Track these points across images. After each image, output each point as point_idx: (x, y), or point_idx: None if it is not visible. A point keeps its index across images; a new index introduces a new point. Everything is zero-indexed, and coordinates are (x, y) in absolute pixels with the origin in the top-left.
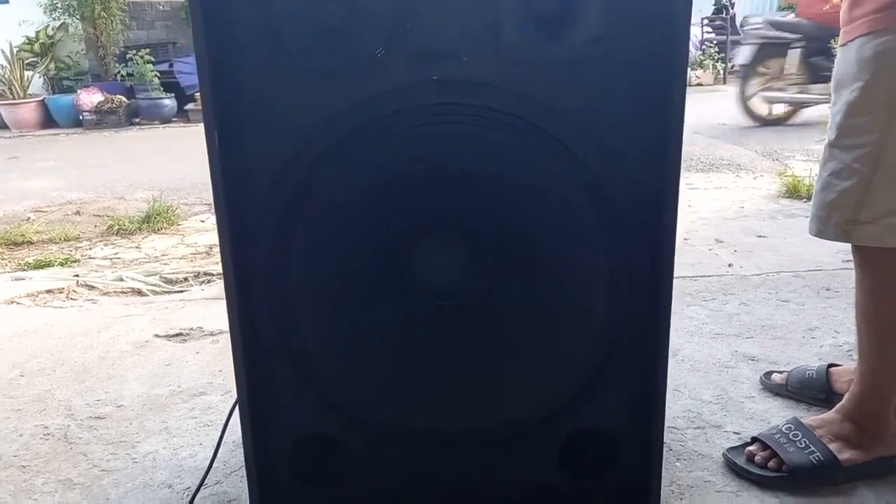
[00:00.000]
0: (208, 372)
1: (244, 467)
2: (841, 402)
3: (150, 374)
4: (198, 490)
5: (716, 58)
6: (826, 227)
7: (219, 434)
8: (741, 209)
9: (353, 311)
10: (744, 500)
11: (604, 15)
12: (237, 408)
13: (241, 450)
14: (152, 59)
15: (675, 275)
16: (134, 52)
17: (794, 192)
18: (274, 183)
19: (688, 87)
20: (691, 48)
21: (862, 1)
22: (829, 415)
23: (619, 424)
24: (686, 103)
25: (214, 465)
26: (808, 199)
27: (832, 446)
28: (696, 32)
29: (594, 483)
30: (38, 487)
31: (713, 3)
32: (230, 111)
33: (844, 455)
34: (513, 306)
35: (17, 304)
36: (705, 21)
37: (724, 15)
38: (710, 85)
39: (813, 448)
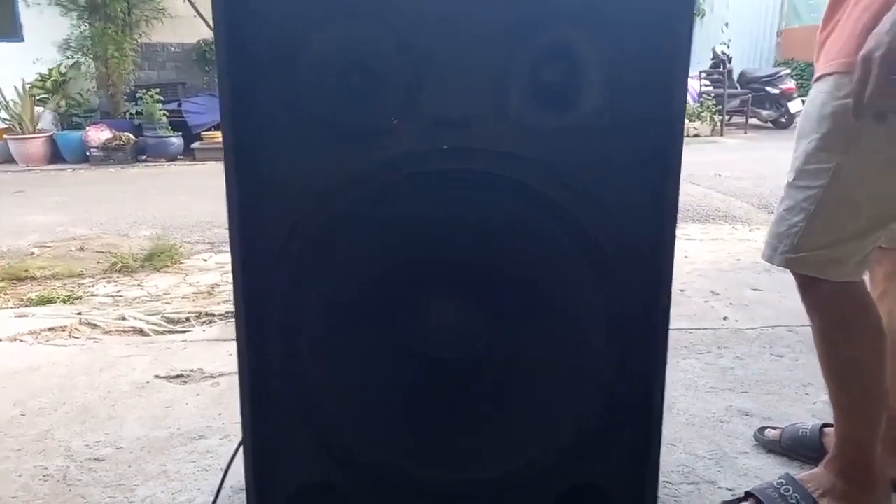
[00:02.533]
0: (208, 415)
1: None
2: (827, 456)
3: (150, 416)
4: None
5: (713, 109)
6: (775, 254)
7: (218, 479)
8: (737, 262)
9: (359, 362)
10: None
11: (606, 85)
12: (239, 453)
13: (241, 495)
14: (161, 99)
15: (671, 327)
16: (144, 91)
17: None
18: (289, 237)
19: (685, 138)
20: (689, 100)
21: (832, 44)
22: (818, 469)
23: (614, 481)
24: (683, 153)
25: None
26: None
27: (822, 501)
28: (694, 85)
29: None
30: None
31: (711, 57)
32: (252, 168)
33: None
34: (512, 362)
35: (20, 341)
36: (703, 74)
37: (721, 69)
38: (707, 136)
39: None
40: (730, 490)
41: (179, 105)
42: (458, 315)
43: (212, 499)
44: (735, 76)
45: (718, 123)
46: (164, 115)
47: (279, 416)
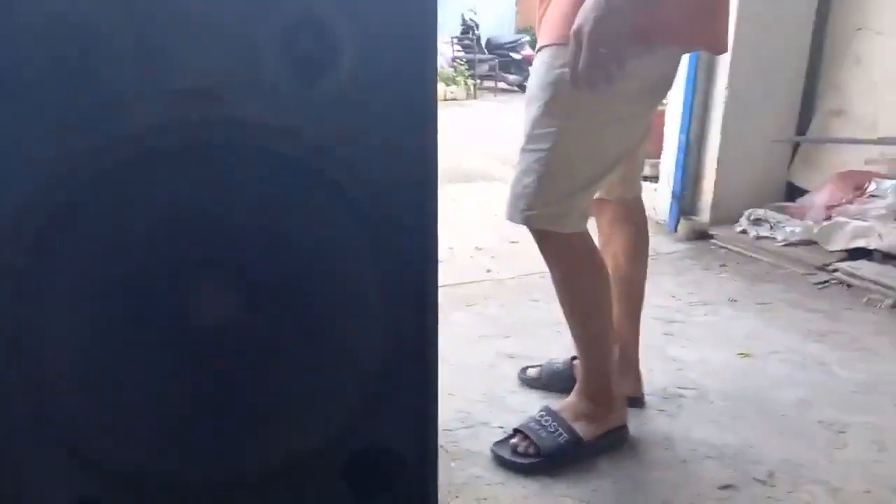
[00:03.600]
0: None
1: None
2: (576, 386)
3: None
4: None
5: (466, 74)
6: (515, 212)
7: None
8: (495, 216)
9: (108, 360)
10: (510, 489)
11: (358, 53)
12: None
13: None
14: None
15: (442, 283)
16: None
17: None
18: (15, 230)
19: (444, 102)
20: (444, 64)
21: (549, 18)
22: (571, 397)
23: (397, 440)
24: (443, 117)
25: None
26: None
27: (576, 426)
28: (446, 50)
29: (378, 500)
30: None
31: (461, 23)
32: None
33: (585, 431)
34: (280, 339)
35: None
36: (455, 40)
37: (470, 35)
38: (462, 99)
39: (560, 431)
40: (501, 427)
41: None
42: (215, 296)
43: None
44: (483, 42)
45: (472, 88)
46: None
47: (25, 436)
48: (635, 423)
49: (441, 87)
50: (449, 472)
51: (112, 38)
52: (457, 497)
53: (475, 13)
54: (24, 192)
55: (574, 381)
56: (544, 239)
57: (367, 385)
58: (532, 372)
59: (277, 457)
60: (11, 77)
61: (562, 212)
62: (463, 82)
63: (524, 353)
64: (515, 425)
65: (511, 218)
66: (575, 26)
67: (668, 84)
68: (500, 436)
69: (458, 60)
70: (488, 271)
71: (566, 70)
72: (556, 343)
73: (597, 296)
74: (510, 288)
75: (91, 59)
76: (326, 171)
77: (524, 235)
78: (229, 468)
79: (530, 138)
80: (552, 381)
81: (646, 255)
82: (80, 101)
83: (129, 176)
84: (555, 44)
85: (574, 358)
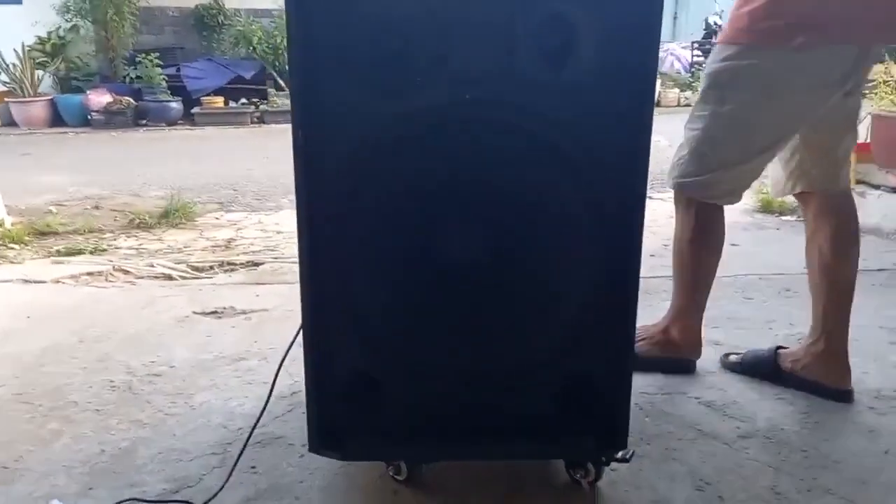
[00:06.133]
0: (245, 342)
1: (287, 414)
2: (662, 321)
3: (195, 343)
4: (254, 427)
5: None
6: (669, 179)
7: (260, 391)
8: None
9: (394, 270)
10: (699, 445)
11: (596, 50)
12: (283, 365)
13: (283, 402)
14: (160, 63)
15: (658, 275)
16: (143, 55)
17: (767, 207)
18: (341, 171)
19: (677, 107)
20: (681, 70)
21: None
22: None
23: (595, 369)
24: (674, 121)
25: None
26: (780, 214)
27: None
28: (686, 55)
29: (577, 420)
30: (113, 426)
31: (703, 27)
32: (310, 112)
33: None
34: (513, 270)
35: (63, 283)
36: (695, 45)
37: (712, 39)
38: None
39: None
40: (696, 398)
41: (178, 70)
42: (475, 236)
43: (258, 403)
44: None
45: None
46: (164, 79)
47: (332, 321)
48: (841, 415)
49: (675, 92)
50: (641, 424)
51: (413, 34)
52: (648, 444)
53: (720, 17)
54: (347, 146)
55: (775, 368)
56: (685, 203)
57: (574, 316)
58: (734, 357)
59: (506, 362)
60: (350, 56)
61: (707, 183)
62: None
63: (729, 342)
64: (711, 398)
65: (668, 185)
66: None
67: (823, 84)
68: (694, 405)
69: (696, 66)
70: None
71: (725, 63)
72: (765, 338)
73: (710, 257)
74: (724, 284)
75: (399, 47)
76: (561, 146)
77: (746, 240)
78: (471, 364)
79: (691, 118)
80: (754, 365)
81: (851, 250)
82: (391, 78)
83: (420, 140)
84: (722, 42)
85: (779, 347)
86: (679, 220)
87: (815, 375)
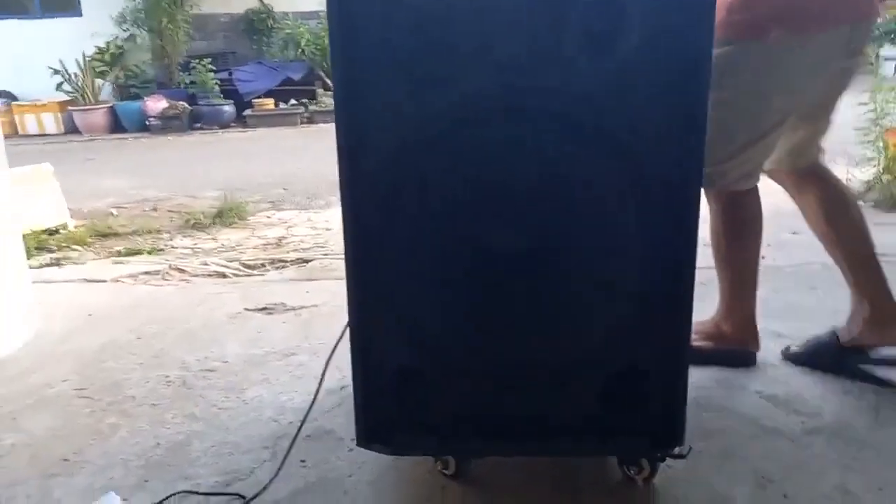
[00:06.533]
0: (296, 338)
1: (336, 409)
2: (714, 315)
3: (247, 339)
4: (303, 422)
5: None
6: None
7: (310, 385)
8: (778, 209)
9: (441, 269)
10: (761, 442)
11: (647, 31)
12: (332, 359)
13: (332, 396)
14: (213, 68)
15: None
16: (196, 61)
17: None
18: (385, 166)
19: None
20: None
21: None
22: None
23: (650, 361)
24: None
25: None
26: None
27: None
28: None
29: (631, 416)
30: (168, 420)
31: None
32: (353, 105)
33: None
34: (567, 263)
35: (122, 282)
36: None
37: None
38: None
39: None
40: (757, 392)
41: (230, 74)
42: (525, 224)
43: (308, 398)
44: None
45: None
46: (216, 83)
47: (378, 317)
48: None
49: None
50: (700, 420)
51: (456, 22)
52: (706, 440)
53: None
54: (391, 141)
55: (842, 349)
56: (716, 198)
57: (627, 308)
58: (795, 349)
59: (552, 356)
60: (392, 48)
61: (721, 172)
62: None
63: (791, 334)
64: (773, 391)
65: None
66: None
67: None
68: (755, 399)
69: None
70: (762, 258)
71: (723, 49)
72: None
73: (736, 253)
74: (786, 274)
75: (441, 36)
76: (610, 132)
77: (807, 227)
78: (516, 357)
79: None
80: (817, 352)
81: (839, 213)
82: (435, 68)
83: (464, 132)
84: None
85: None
86: (711, 212)
87: (873, 340)
